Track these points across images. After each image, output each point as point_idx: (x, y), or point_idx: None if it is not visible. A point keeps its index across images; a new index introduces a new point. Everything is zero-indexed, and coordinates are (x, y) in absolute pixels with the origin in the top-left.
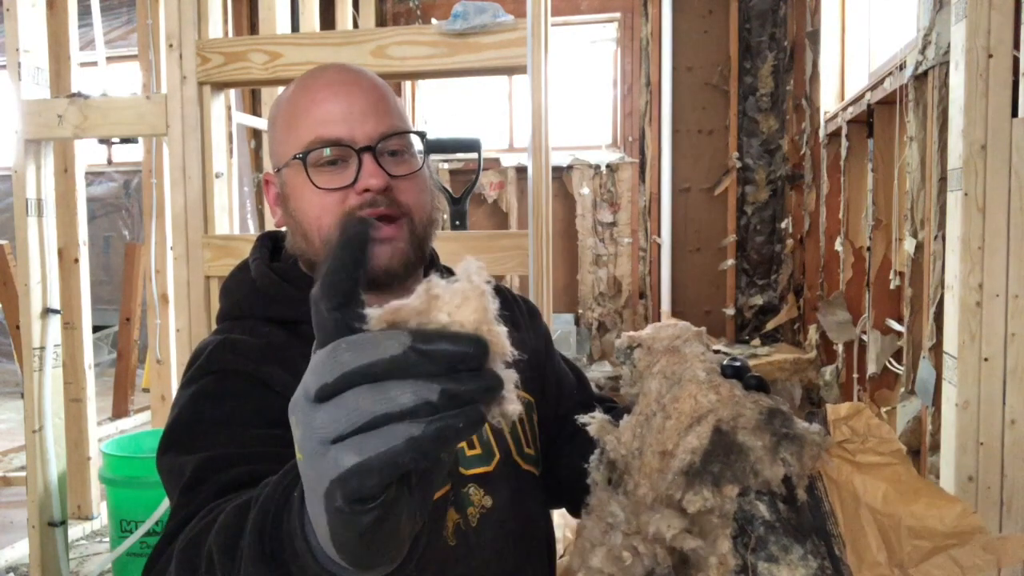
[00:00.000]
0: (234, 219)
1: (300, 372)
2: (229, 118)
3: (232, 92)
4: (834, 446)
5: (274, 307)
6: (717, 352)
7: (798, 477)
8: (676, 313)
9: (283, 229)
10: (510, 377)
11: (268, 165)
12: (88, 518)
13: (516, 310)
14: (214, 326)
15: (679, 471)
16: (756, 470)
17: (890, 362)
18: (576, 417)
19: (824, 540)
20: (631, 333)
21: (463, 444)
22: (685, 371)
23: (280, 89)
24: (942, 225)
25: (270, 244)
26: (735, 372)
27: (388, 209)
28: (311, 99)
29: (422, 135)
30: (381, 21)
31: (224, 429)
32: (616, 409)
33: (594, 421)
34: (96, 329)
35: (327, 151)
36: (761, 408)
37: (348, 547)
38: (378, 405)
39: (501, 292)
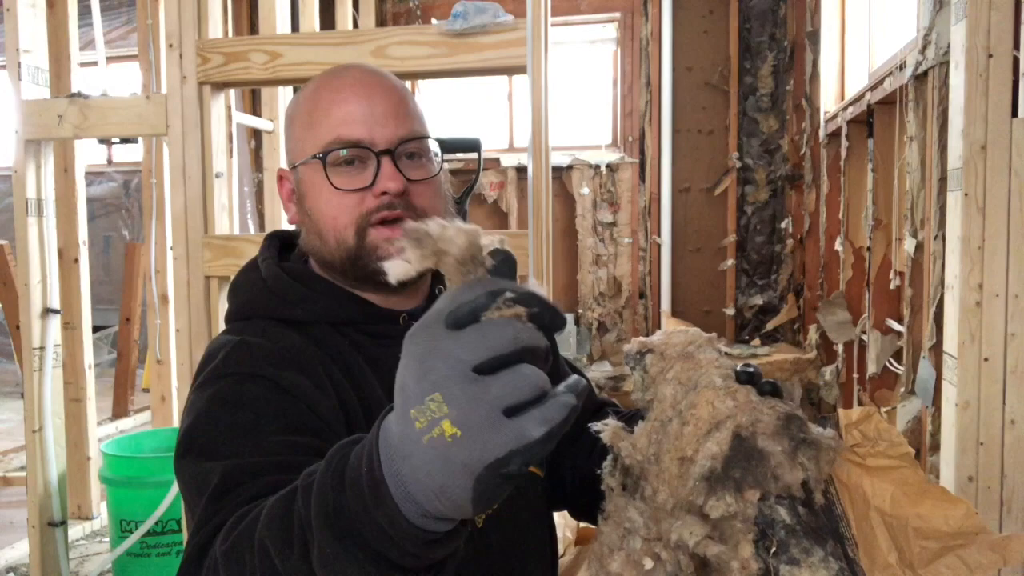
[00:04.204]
0: (234, 219)
1: (318, 376)
2: (229, 118)
3: (232, 92)
4: (846, 450)
5: (285, 307)
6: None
7: (815, 481)
8: (676, 313)
9: (292, 228)
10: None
11: (268, 164)
12: (88, 518)
13: None
14: (215, 326)
15: (700, 477)
16: (776, 475)
17: (890, 362)
18: (589, 425)
19: (839, 542)
20: (642, 339)
21: None
22: (700, 377)
23: (280, 90)
24: (942, 225)
25: (278, 243)
26: (749, 378)
27: (404, 212)
28: (332, 99)
29: (441, 141)
30: (381, 21)
31: (246, 435)
32: (621, 413)
33: (607, 428)
34: (96, 329)
35: (344, 151)
36: (778, 414)
37: (485, 504)
38: (542, 379)
39: None
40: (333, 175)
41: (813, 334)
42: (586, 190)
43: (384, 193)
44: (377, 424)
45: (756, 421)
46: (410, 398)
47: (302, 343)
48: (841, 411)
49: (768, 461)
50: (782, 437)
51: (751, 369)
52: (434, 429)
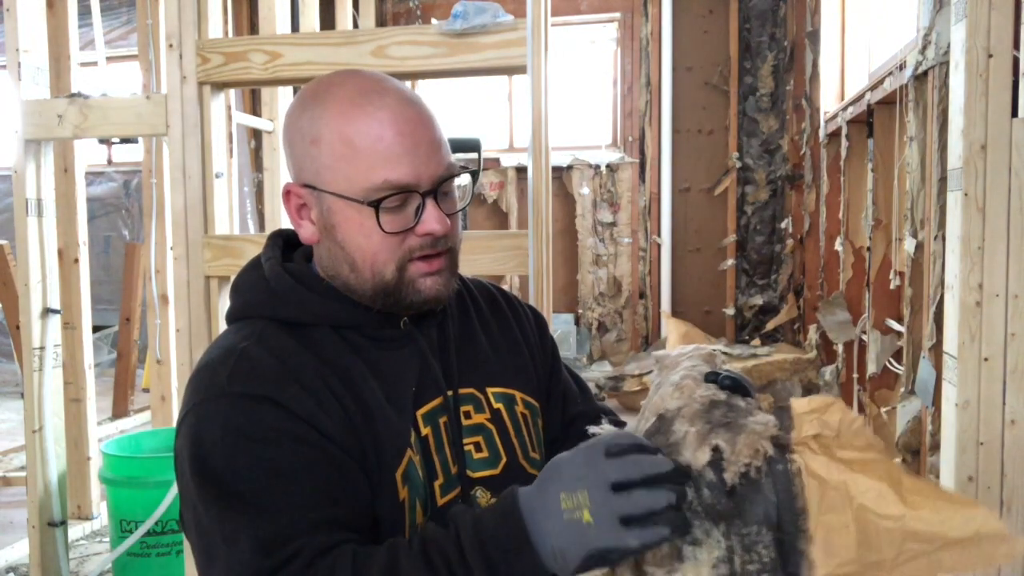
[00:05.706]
0: (234, 219)
1: (316, 387)
2: (229, 118)
3: (232, 92)
4: (806, 440)
5: (286, 309)
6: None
7: (728, 463)
8: (676, 313)
9: (289, 227)
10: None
11: (268, 164)
12: (88, 518)
13: (523, 317)
14: (215, 326)
15: None
16: (680, 452)
17: (890, 362)
18: (587, 428)
19: (789, 533)
20: (656, 353)
21: (471, 447)
22: (669, 377)
23: (280, 90)
24: (942, 225)
25: (281, 242)
26: (713, 377)
27: (443, 250)
28: (375, 134)
29: (474, 174)
30: (381, 21)
31: (271, 484)
32: (619, 423)
33: (602, 431)
34: (96, 329)
35: (394, 196)
36: (706, 400)
37: (579, 570)
38: (657, 504)
39: (507, 298)
40: (382, 219)
41: (813, 334)
42: (586, 190)
43: (428, 234)
44: (512, 498)
45: (684, 407)
46: (564, 485)
47: (297, 349)
48: (794, 400)
49: (670, 438)
50: (698, 420)
51: (720, 373)
52: (575, 513)
